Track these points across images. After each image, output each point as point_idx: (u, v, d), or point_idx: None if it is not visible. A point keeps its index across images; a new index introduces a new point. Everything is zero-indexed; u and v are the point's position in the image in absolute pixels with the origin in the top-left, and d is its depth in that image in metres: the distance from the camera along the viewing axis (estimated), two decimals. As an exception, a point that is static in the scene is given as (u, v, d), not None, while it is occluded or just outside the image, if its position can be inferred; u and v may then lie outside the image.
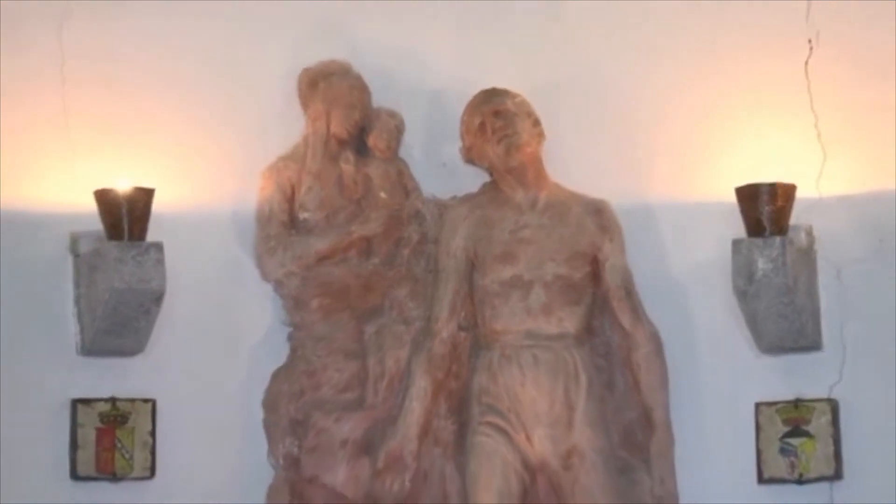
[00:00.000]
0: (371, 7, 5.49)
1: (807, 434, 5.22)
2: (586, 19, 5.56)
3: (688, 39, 5.56)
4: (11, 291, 5.17)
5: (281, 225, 5.33)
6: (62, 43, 5.41)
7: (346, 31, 5.52)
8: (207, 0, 5.57)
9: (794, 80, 5.27)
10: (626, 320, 5.27)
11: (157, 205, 5.09)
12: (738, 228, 5.16)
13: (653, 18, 5.55)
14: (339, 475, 5.17)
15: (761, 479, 5.23)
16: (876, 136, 5.30)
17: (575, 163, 5.42)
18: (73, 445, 5.16)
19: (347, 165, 5.34)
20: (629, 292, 5.30)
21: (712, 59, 5.51)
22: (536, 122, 5.22)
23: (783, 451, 5.26)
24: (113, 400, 5.14)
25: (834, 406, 5.18)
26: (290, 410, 5.28)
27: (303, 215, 5.34)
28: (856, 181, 5.30)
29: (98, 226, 5.09)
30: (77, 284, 5.23)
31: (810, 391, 5.24)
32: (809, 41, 5.26)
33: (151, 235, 5.06)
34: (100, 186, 5.10)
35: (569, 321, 5.21)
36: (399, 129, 5.39)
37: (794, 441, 5.25)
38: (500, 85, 5.26)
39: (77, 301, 5.24)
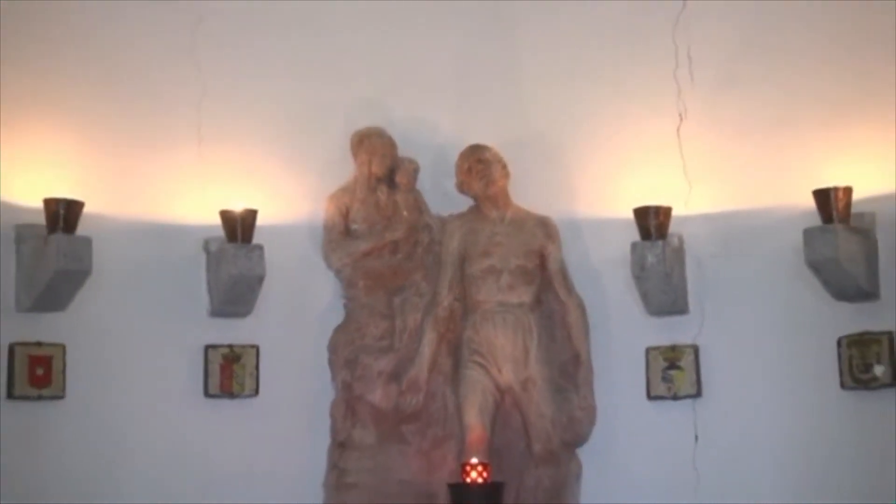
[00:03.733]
0: (397, 90, 6.89)
1: (678, 368, 6.63)
2: (538, 97, 6.97)
3: (598, 105, 6.88)
4: (166, 276, 6.55)
5: (339, 233, 6.80)
6: (200, 110, 6.61)
7: (381, 106, 6.90)
8: (299, 85, 6.81)
9: (670, 140, 6.70)
10: (562, 294, 6.73)
11: (260, 219, 6.51)
12: (634, 235, 6.62)
13: (577, 94, 6.87)
14: (377, 395, 6.63)
15: (649, 397, 6.66)
16: (722, 177, 6.65)
17: (530, 191, 6.85)
18: (206, 374, 6.54)
19: (382, 195, 6.83)
20: (564, 276, 6.74)
21: (617, 121, 6.89)
22: (504, 166, 6.68)
23: (664, 379, 6.66)
24: (230, 346, 6.55)
25: (696, 349, 6.60)
26: (345, 353, 6.70)
27: (353, 226, 6.81)
28: (710, 204, 6.70)
29: (221, 233, 6.53)
30: (208, 271, 6.62)
31: (681, 340, 6.65)
32: (680, 115, 6.66)
33: (255, 239, 6.50)
34: (223, 207, 6.51)
35: (525, 295, 6.65)
36: (416, 171, 6.89)
37: (671, 372, 6.64)
38: (480, 141, 6.77)
39: (208, 282, 6.61)
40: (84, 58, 6.56)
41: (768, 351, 6.57)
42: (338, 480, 6.61)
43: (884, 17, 6.46)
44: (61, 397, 6.15)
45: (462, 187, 6.81)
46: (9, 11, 6.42)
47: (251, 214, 6.48)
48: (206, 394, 6.54)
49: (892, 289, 6.34)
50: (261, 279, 6.51)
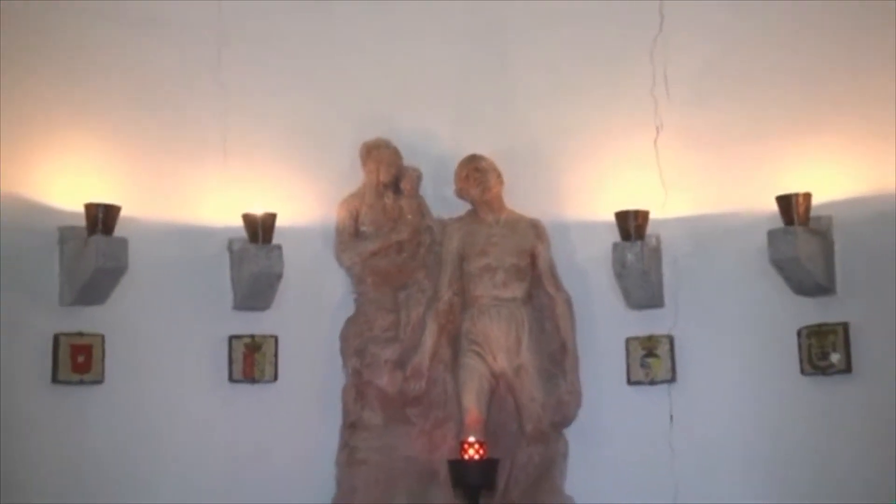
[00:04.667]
0: (402, 106, 7.16)
1: (655, 356, 6.92)
2: (529, 112, 7.23)
3: (584, 119, 7.14)
4: (194, 273, 6.85)
5: (350, 234, 7.07)
6: (225, 124, 6.88)
7: (388, 120, 7.17)
8: (313, 101, 7.07)
9: (648, 151, 6.98)
10: (550, 289, 6.99)
11: (278, 222, 6.81)
12: (616, 236, 6.90)
13: (564, 110, 7.12)
14: (384, 380, 6.92)
15: (629, 382, 6.96)
16: (695, 184, 6.92)
17: (522, 196, 7.12)
18: (230, 362, 6.82)
19: (388, 200, 7.09)
20: (552, 273, 7.01)
21: (600, 133, 7.12)
22: (499, 175, 6.97)
23: (642, 365, 6.94)
24: (252, 336, 6.84)
25: (671, 339, 6.89)
26: (355, 342, 6.98)
27: (362, 229, 7.08)
28: (684, 208, 6.98)
29: (244, 234, 6.81)
30: (232, 269, 6.92)
31: (657, 331, 6.96)
32: (657, 128, 6.94)
33: (274, 240, 6.80)
34: (245, 211, 6.79)
35: (518, 291, 6.94)
36: (419, 178, 7.17)
37: (648, 360, 6.93)
38: (477, 152, 7.08)
39: (232, 279, 6.89)
40: (122, 77, 6.81)
41: (736, 340, 6.84)
42: (349, 458, 6.88)
43: (838, 43, 6.70)
44: (100, 382, 6.44)
45: (461, 193, 7.10)
46: (58, 40, 6.64)
47: (271, 218, 6.78)
48: (231, 379, 6.86)
49: (846, 284, 6.60)
50: (279, 276, 6.81)
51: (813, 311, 6.61)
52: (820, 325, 6.54)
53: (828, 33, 6.75)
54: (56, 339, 6.35)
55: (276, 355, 6.91)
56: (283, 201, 6.93)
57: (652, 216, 6.92)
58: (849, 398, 6.52)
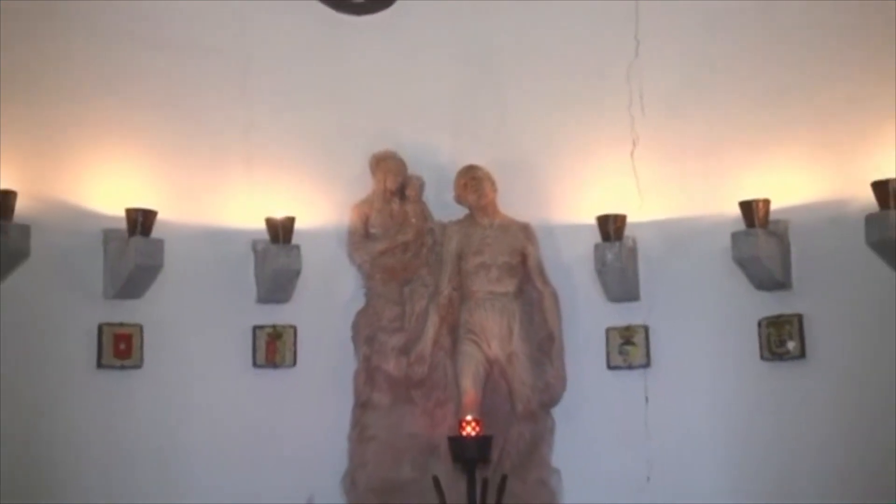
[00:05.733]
0: (407, 121, 7.39)
1: (632, 343, 7.18)
2: (520, 127, 7.46)
3: (568, 134, 7.37)
4: (222, 270, 7.14)
5: (361, 236, 7.31)
6: (249, 137, 7.16)
7: (394, 134, 7.39)
8: (327, 117, 7.28)
9: (625, 162, 7.23)
10: (539, 285, 7.21)
11: (297, 225, 7.07)
12: (597, 237, 7.17)
13: (551, 125, 7.38)
14: (391, 365, 7.18)
15: (609, 367, 7.22)
16: (667, 191, 7.17)
17: (513, 202, 7.32)
18: (254, 349, 7.07)
19: (395, 205, 7.33)
20: (540, 270, 7.23)
21: (583, 146, 7.36)
22: (493, 183, 7.21)
23: (621, 352, 7.19)
24: (274, 326, 7.12)
25: (646, 329, 7.18)
26: (365, 332, 7.24)
27: (371, 230, 7.32)
28: (657, 213, 7.21)
29: (266, 236, 7.08)
30: (255, 266, 7.19)
31: (634, 321, 7.23)
32: (633, 141, 7.23)
33: (294, 241, 7.07)
34: (267, 215, 7.06)
35: (510, 286, 7.17)
36: (422, 186, 7.42)
37: (626, 347, 7.19)
38: (474, 162, 7.34)
39: (255, 275, 7.16)
40: (159, 97, 7.10)
41: (704, 330, 7.11)
42: (360, 434, 7.15)
43: (794, 67, 6.96)
44: (139, 367, 6.80)
45: (459, 199, 7.36)
46: (104, 65, 6.93)
47: (290, 221, 7.08)
48: (254, 364, 7.15)
49: (801, 280, 6.91)
50: (298, 273, 7.12)
51: (771, 304, 6.90)
52: (777, 317, 6.85)
53: (786, 59, 7.01)
54: (100, 328, 6.71)
55: (295, 343, 7.18)
56: (301, 206, 7.22)
57: (629, 220, 7.20)
58: (803, 381, 6.85)
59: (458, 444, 6.64)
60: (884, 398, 6.54)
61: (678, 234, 7.21)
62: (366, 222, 7.37)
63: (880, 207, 6.45)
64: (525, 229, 7.32)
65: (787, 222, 6.88)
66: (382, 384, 7.21)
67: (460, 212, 7.43)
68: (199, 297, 7.07)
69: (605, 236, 7.15)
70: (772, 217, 6.83)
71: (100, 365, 6.73)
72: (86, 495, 6.65)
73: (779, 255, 6.85)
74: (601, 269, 7.20)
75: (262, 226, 7.14)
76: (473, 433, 6.64)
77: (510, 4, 7.45)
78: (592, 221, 7.23)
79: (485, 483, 6.63)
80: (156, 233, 6.77)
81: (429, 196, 7.54)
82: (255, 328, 7.13)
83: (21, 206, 6.45)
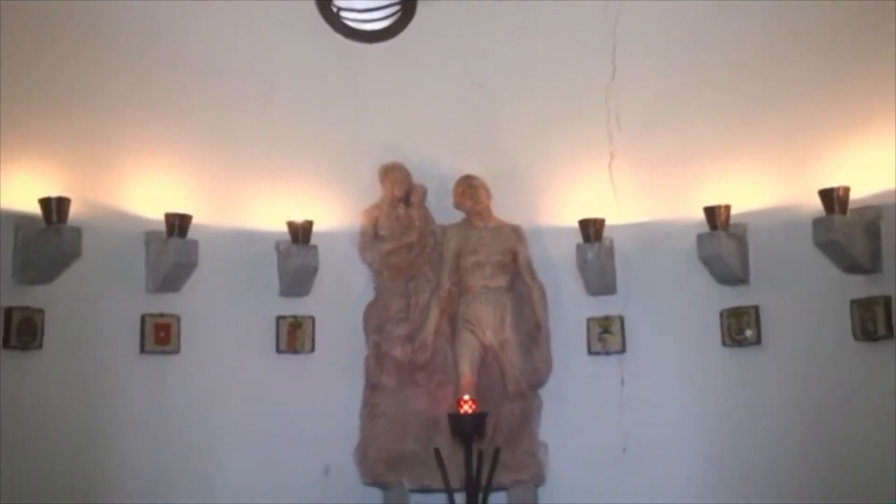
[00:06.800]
0: (412, 136, 7.60)
1: (610, 332, 7.45)
2: (512, 142, 7.68)
3: (554, 148, 7.57)
4: (249, 268, 7.36)
5: (371, 237, 7.55)
6: (272, 150, 7.40)
7: (401, 148, 7.62)
8: (342, 133, 7.54)
9: (604, 172, 7.50)
10: (528, 280, 7.47)
11: (315, 227, 7.34)
12: (579, 239, 7.44)
13: (539, 140, 7.60)
14: (398, 351, 7.44)
15: (589, 353, 7.46)
16: (640, 198, 7.45)
17: (506, 207, 7.56)
18: (277, 337, 7.35)
19: (401, 210, 7.57)
20: (529, 267, 7.49)
21: (568, 158, 7.56)
22: (487, 190, 7.48)
23: (599, 340, 7.45)
24: (294, 316, 7.40)
25: (622, 319, 7.45)
26: (375, 321, 7.51)
27: (380, 232, 7.55)
28: (632, 217, 7.47)
29: (287, 237, 7.35)
30: (278, 264, 7.43)
31: (611, 312, 7.49)
32: (611, 154, 7.48)
33: (312, 242, 7.33)
34: (288, 219, 7.32)
35: (502, 281, 7.43)
36: (425, 193, 7.66)
37: (604, 335, 7.45)
38: (471, 172, 7.58)
39: (278, 271, 7.41)
40: (193, 113, 7.27)
41: (672, 320, 7.38)
42: (370, 412, 7.40)
43: (753, 86, 7.15)
44: (177, 352, 7.08)
45: (457, 205, 7.59)
46: (146, 86, 7.14)
47: (309, 224, 7.35)
48: (277, 350, 7.41)
49: (757, 276, 7.11)
50: (315, 270, 7.39)
51: (731, 297, 7.15)
52: (737, 308, 7.11)
53: (745, 85, 7.19)
54: (143, 319, 7.01)
55: (313, 332, 7.41)
56: (318, 211, 7.45)
57: (607, 223, 7.44)
58: (759, 364, 7.09)
59: (456, 421, 6.80)
60: (827, 378, 6.83)
61: (650, 236, 7.41)
62: (375, 225, 7.56)
63: (826, 212, 6.67)
64: (516, 231, 7.51)
65: (745, 225, 7.10)
66: (390, 368, 7.41)
67: (459, 216, 7.62)
68: (229, 291, 7.30)
69: (586, 237, 7.39)
70: (732, 220, 7.04)
71: (142, 350, 7.00)
72: (130, 462, 6.90)
73: (738, 254, 7.07)
74: (582, 266, 7.43)
75: (284, 228, 7.35)
76: (470, 411, 6.79)
77: (503, 36, 7.72)
78: (575, 224, 7.44)
79: (480, 455, 6.79)
80: (191, 234, 6.99)
81: (431, 202, 7.71)
82: (278, 318, 7.38)
83: (74, 211, 6.66)
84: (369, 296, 7.62)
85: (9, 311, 6.61)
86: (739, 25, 7.26)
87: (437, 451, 6.98)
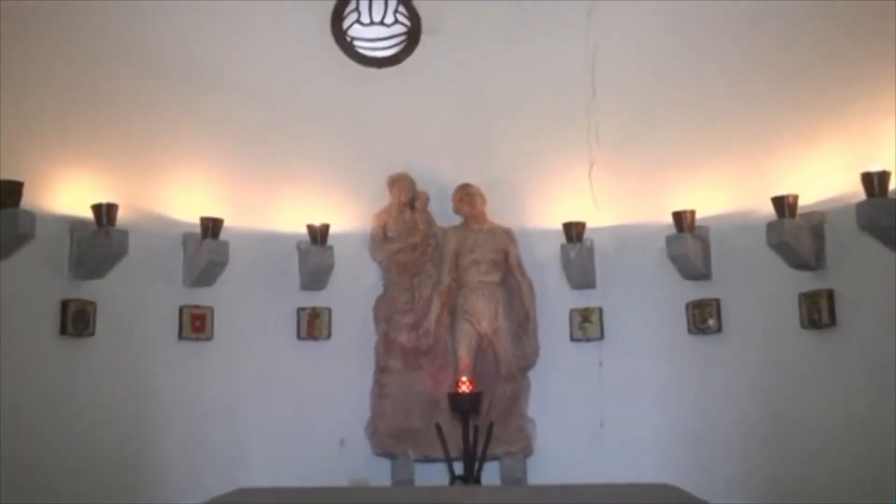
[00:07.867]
0: (416, 149, 7.90)
1: (590, 321, 7.80)
2: (503, 153, 7.96)
3: (540, 158, 7.82)
4: (273, 265, 7.69)
5: (380, 238, 7.86)
6: (292, 160, 7.66)
7: (406, 159, 7.91)
8: (355, 146, 7.80)
9: (584, 180, 7.81)
10: (518, 276, 7.79)
11: (331, 230, 7.69)
12: (563, 240, 7.74)
13: (528, 152, 7.90)
14: (403, 338, 7.78)
15: (571, 339, 7.80)
16: (617, 203, 7.77)
17: (498, 211, 7.89)
18: (298, 325, 7.71)
19: (406, 214, 7.88)
20: (520, 265, 7.81)
21: (553, 168, 7.82)
22: (483, 197, 7.81)
23: (581, 328, 7.79)
24: (313, 308, 7.75)
25: (601, 310, 7.79)
26: (384, 312, 7.84)
27: (389, 234, 7.87)
28: (610, 220, 7.80)
29: (307, 238, 7.67)
30: (299, 262, 7.76)
31: (591, 304, 7.82)
32: (591, 163, 7.79)
33: (329, 242, 7.66)
34: (308, 222, 7.62)
35: (496, 277, 7.77)
36: (427, 199, 7.97)
37: (585, 324, 7.80)
38: (468, 180, 7.90)
39: (299, 269, 7.74)
40: (222, 129, 7.64)
41: (644, 311, 7.73)
42: (379, 392, 7.74)
43: (718, 102, 7.49)
44: (211, 339, 7.53)
45: (456, 210, 7.95)
46: (179, 106, 7.46)
47: (326, 226, 7.71)
48: (298, 337, 7.77)
49: (718, 272, 7.50)
50: (332, 267, 7.73)
51: (696, 291, 7.56)
52: (700, 300, 7.53)
53: (707, 106, 7.55)
54: (181, 310, 7.49)
55: (329, 321, 7.78)
56: (334, 215, 7.79)
57: (588, 225, 7.79)
58: (720, 350, 7.49)
59: (455, 399, 7.13)
60: (779, 361, 7.24)
61: (625, 237, 7.77)
62: (384, 228, 7.89)
63: (778, 217, 7.08)
64: (507, 233, 7.89)
65: (708, 228, 7.53)
66: (397, 353, 7.76)
67: (457, 220, 7.97)
68: (256, 285, 7.67)
69: (569, 238, 7.76)
70: (697, 223, 7.46)
71: (180, 337, 7.46)
72: (170, 434, 7.32)
73: (702, 253, 7.50)
74: (566, 264, 7.81)
75: (304, 230, 7.71)
76: (467, 391, 7.12)
77: (496, 62, 8.03)
78: (559, 227, 7.79)
79: (476, 429, 7.05)
80: (223, 236, 7.41)
81: (433, 207, 8.03)
82: (299, 309, 7.77)
83: (121, 215, 7.13)
84: (378, 290, 7.97)
85: (65, 303, 7.11)
86: (703, 54, 7.64)
87: (438, 426, 7.25)
